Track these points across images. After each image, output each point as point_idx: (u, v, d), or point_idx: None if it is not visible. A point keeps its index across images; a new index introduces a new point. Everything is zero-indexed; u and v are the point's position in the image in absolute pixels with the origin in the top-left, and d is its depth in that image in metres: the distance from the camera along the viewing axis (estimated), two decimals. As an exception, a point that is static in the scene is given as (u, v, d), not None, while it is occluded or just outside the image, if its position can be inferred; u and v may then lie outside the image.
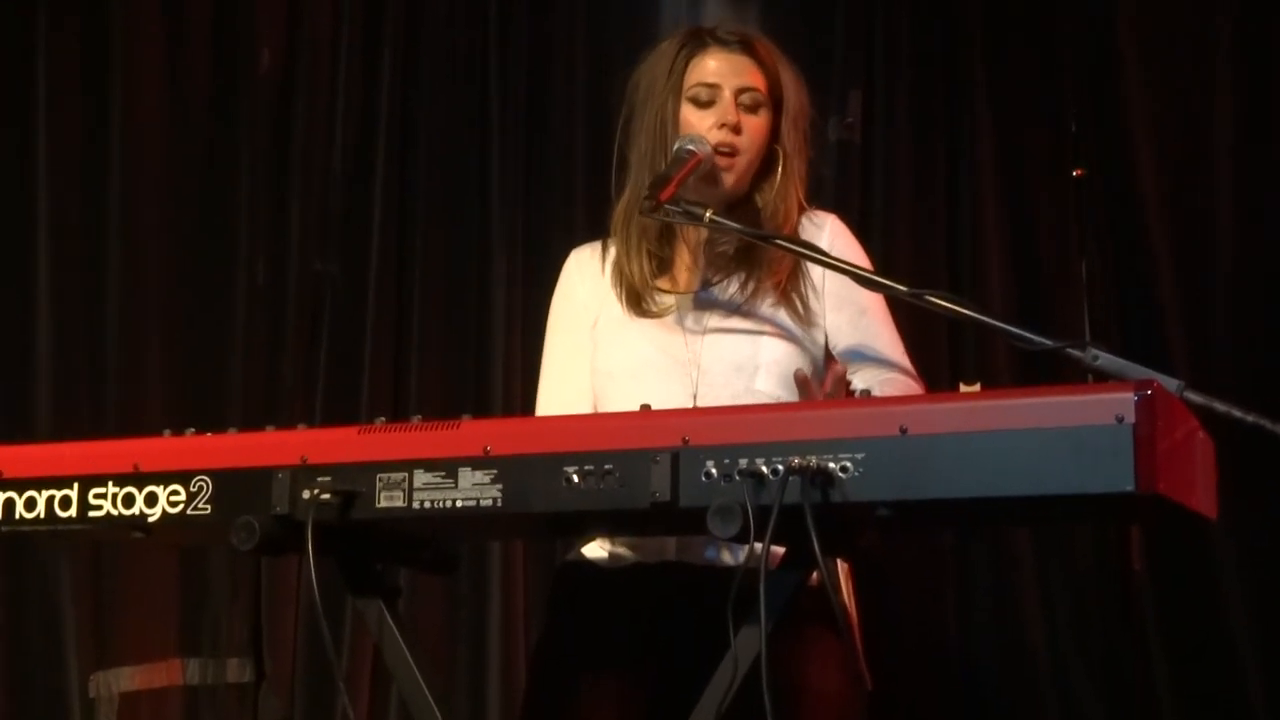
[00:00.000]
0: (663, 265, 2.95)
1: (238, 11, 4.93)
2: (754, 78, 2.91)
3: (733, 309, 2.87)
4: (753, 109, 2.91)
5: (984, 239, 4.56)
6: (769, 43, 3.01)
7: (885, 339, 2.91)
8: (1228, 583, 4.18)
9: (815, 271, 2.89)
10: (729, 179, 2.87)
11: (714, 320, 2.87)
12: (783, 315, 2.85)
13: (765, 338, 2.83)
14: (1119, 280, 4.45)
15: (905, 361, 2.92)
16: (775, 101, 2.94)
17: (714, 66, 2.92)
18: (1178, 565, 4.20)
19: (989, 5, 4.64)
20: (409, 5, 4.96)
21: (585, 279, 3.03)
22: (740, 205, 2.91)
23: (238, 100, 4.90)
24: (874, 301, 2.92)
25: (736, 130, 2.88)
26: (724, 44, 2.95)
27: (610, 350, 2.91)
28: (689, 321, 2.88)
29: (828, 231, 2.93)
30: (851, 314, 2.90)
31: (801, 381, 2.60)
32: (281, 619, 4.58)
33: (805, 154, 2.97)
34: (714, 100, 2.90)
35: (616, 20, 4.85)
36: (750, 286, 2.86)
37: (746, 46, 2.94)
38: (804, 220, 2.96)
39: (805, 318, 2.86)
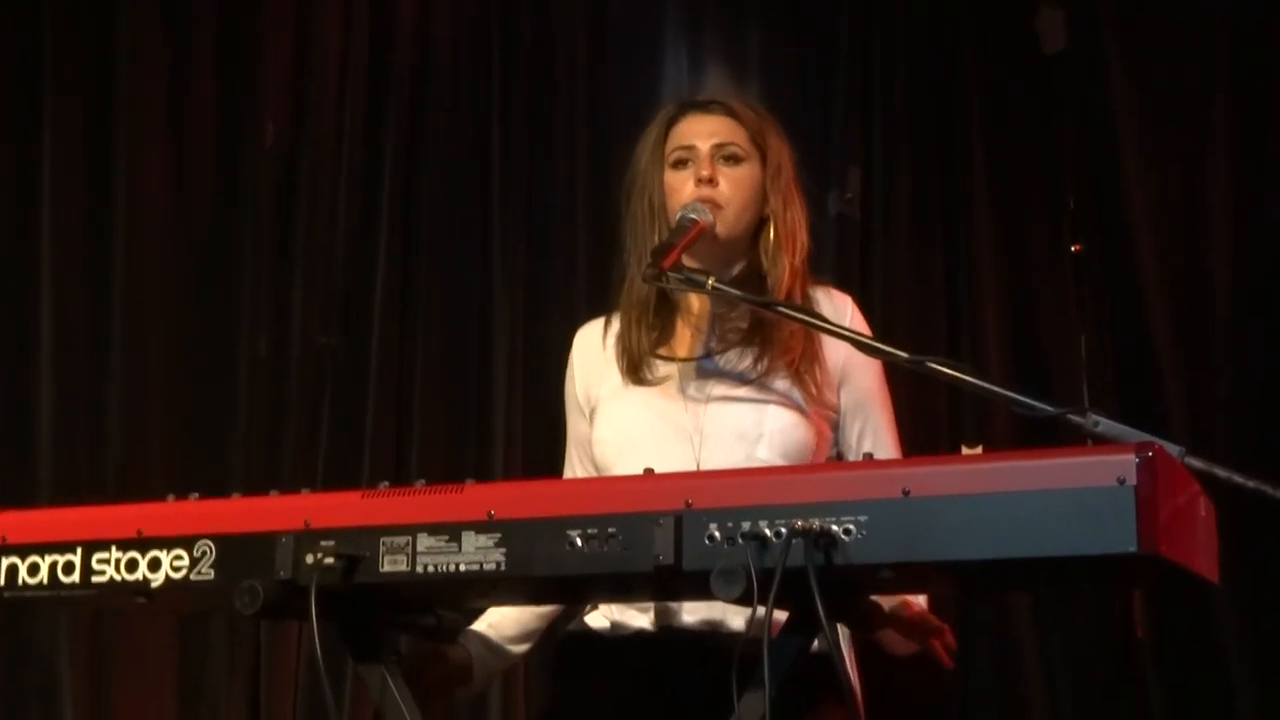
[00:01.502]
0: (663, 335, 2.96)
1: (242, 86, 4.97)
2: (731, 133, 2.94)
3: (738, 379, 2.86)
4: (732, 162, 2.92)
5: (983, 314, 4.57)
6: (749, 102, 3.04)
7: (886, 436, 2.92)
8: (1230, 649, 4.17)
9: (831, 358, 2.89)
10: (720, 230, 2.88)
11: (717, 389, 2.87)
12: (793, 391, 2.85)
13: (771, 406, 2.83)
14: (1118, 354, 4.46)
15: (898, 454, 2.93)
16: (761, 155, 2.95)
17: (690, 129, 2.96)
18: (1180, 632, 4.19)
19: (987, 81, 4.68)
20: (412, 82, 5.00)
21: (584, 360, 3.06)
22: (749, 278, 2.91)
23: (242, 173, 4.94)
24: (884, 403, 2.94)
25: (713, 182, 2.89)
26: (701, 107, 2.99)
27: (610, 420, 2.92)
28: (690, 389, 2.88)
29: (849, 316, 2.94)
30: (857, 402, 2.91)
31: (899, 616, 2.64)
32: (279, 686, 4.56)
33: (800, 211, 2.96)
34: (691, 160, 2.92)
35: (617, 98, 4.90)
36: (762, 364, 2.85)
37: (723, 106, 2.97)
38: (820, 296, 2.96)
39: (816, 397, 2.86)
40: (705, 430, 2.82)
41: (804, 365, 2.86)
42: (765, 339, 2.87)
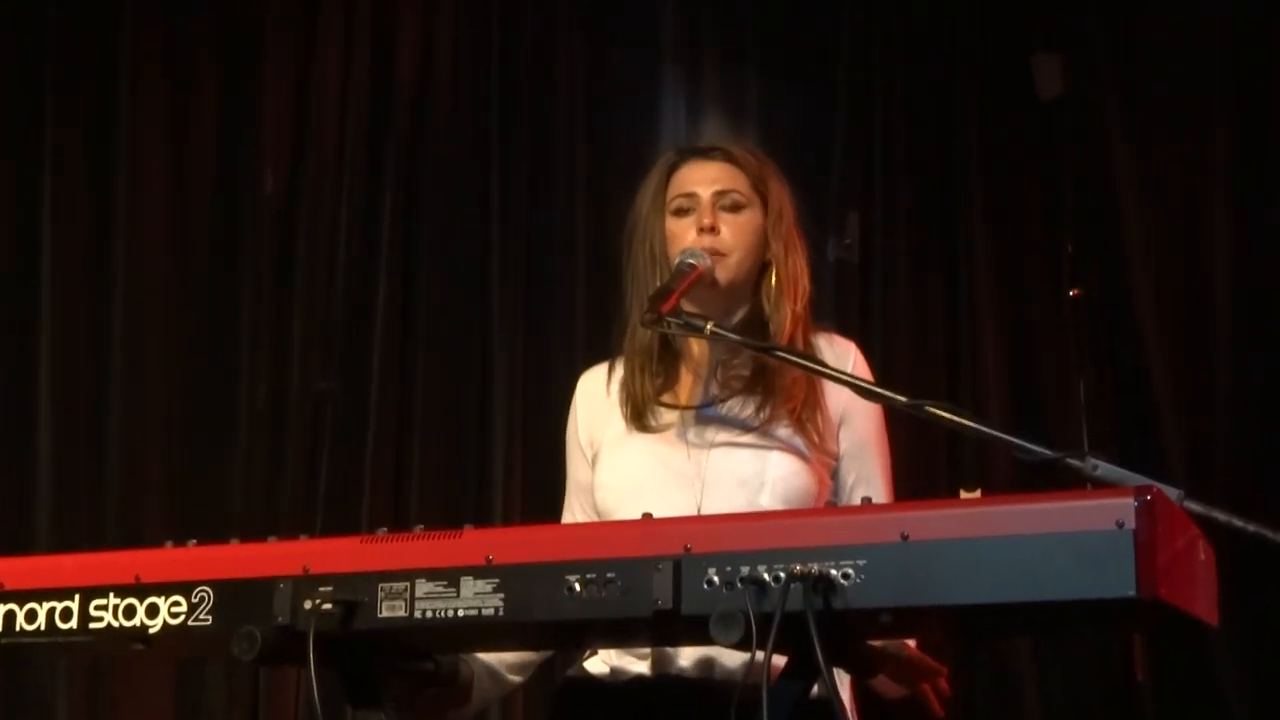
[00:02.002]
0: (666, 382, 2.95)
1: (242, 133, 4.99)
2: (732, 180, 2.93)
3: (740, 426, 2.86)
4: (734, 209, 2.91)
5: (982, 358, 4.58)
6: (749, 147, 3.04)
7: (879, 484, 2.91)
8: (1229, 692, 4.16)
9: (833, 405, 2.89)
10: (722, 276, 2.88)
11: (720, 435, 2.86)
12: (795, 438, 2.84)
13: (773, 453, 2.81)
14: (1117, 397, 4.46)
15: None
16: (762, 201, 2.95)
17: (691, 176, 2.95)
18: (1180, 675, 4.18)
19: (986, 127, 4.70)
20: (411, 129, 5.03)
21: (587, 405, 3.04)
22: (751, 324, 2.91)
23: (241, 219, 4.96)
24: (878, 441, 2.93)
25: (714, 230, 2.89)
26: (702, 154, 2.98)
27: (612, 466, 2.91)
28: (691, 436, 2.87)
29: (851, 362, 2.93)
30: (854, 447, 2.89)
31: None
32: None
33: (801, 256, 2.96)
34: (693, 208, 2.92)
35: (617, 144, 4.92)
36: (765, 411, 2.84)
37: (724, 153, 2.96)
38: (823, 343, 2.96)
39: (819, 444, 2.86)
40: (707, 477, 2.81)
41: (806, 413, 2.85)
42: (767, 386, 2.86)
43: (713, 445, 2.85)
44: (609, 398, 2.99)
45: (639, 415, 2.90)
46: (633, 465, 2.87)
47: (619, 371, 2.99)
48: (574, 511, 3.03)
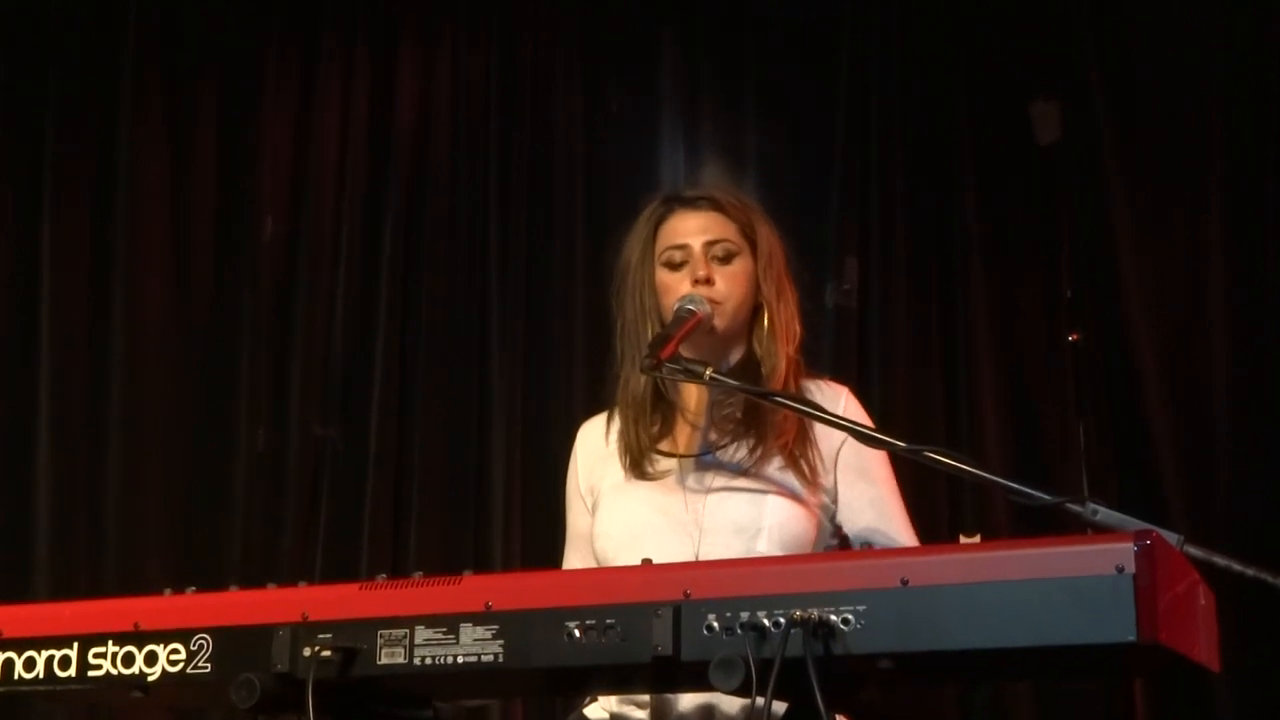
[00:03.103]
0: (664, 429, 2.95)
1: (242, 179, 5.01)
2: (722, 229, 2.94)
3: (737, 470, 2.86)
4: (725, 259, 2.93)
5: (981, 403, 4.58)
6: (735, 193, 3.05)
7: (898, 521, 2.91)
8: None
9: (825, 443, 2.89)
10: (719, 324, 2.89)
11: (717, 480, 2.86)
12: (789, 478, 2.84)
13: (770, 498, 2.82)
14: (1116, 442, 4.46)
15: (915, 541, 2.91)
16: (752, 246, 2.96)
17: (680, 227, 2.96)
18: (1181, 720, 4.18)
19: (984, 172, 4.71)
20: (410, 175, 5.04)
21: (587, 454, 3.06)
22: (746, 367, 2.92)
23: (240, 266, 4.97)
24: (888, 479, 2.93)
25: (709, 282, 2.90)
26: (689, 204, 2.99)
27: (611, 515, 2.91)
28: (690, 482, 2.88)
29: (842, 405, 2.93)
30: (866, 490, 2.90)
31: None
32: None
33: (792, 300, 2.97)
34: (686, 260, 2.93)
35: (615, 189, 4.92)
36: (758, 451, 2.85)
37: (711, 201, 2.97)
38: (813, 387, 2.96)
39: (811, 480, 2.85)
40: (704, 525, 2.82)
41: (798, 448, 2.86)
42: (760, 426, 2.87)
43: (709, 491, 2.85)
44: (608, 447, 3.00)
45: (637, 464, 2.91)
46: (631, 514, 2.88)
47: (617, 421, 3.00)
48: (573, 561, 3.03)
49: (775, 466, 2.85)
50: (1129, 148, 4.59)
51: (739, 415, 2.90)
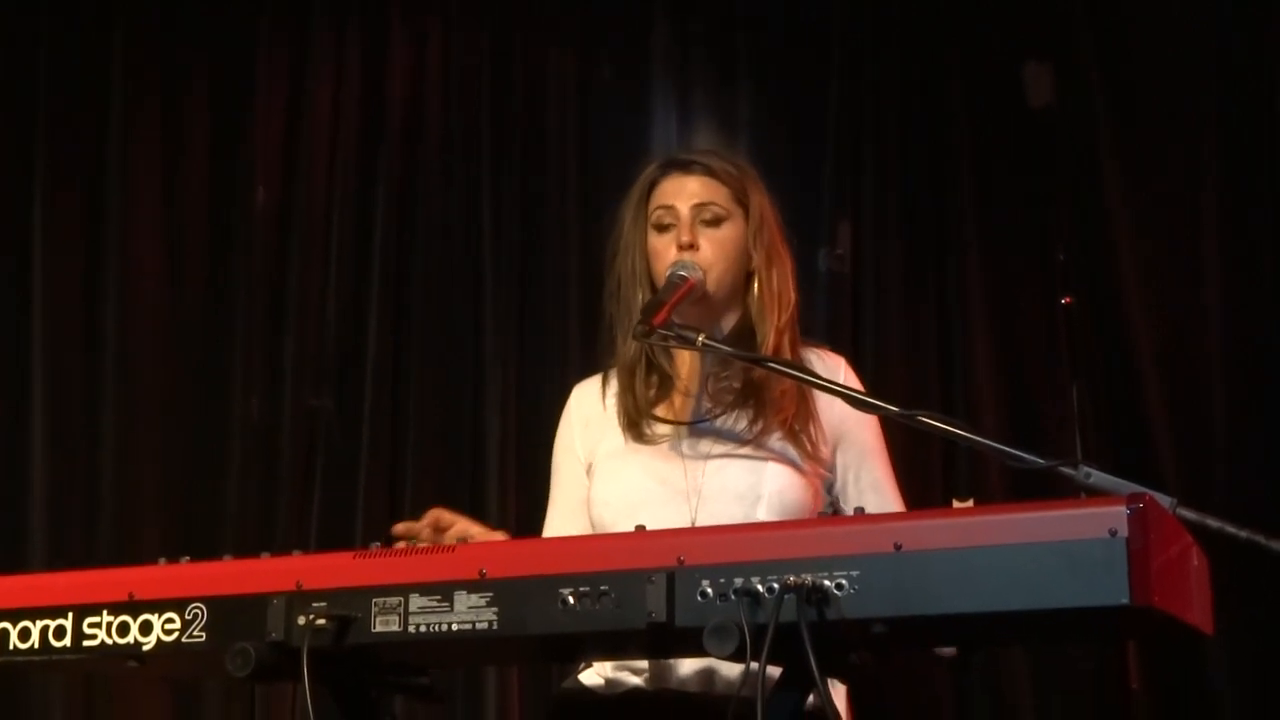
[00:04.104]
0: (661, 394, 2.95)
1: (235, 150, 4.99)
2: (712, 193, 2.92)
3: (734, 439, 2.86)
4: (714, 223, 2.91)
5: (974, 367, 4.59)
6: (731, 158, 3.03)
7: (895, 506, 2.92)
8: (1225, 699, 4.16)
9: (826, 416, 2.89)
10: (708, 290, 2.88)
11: (715, 448, 2.86)
12: (789, 449, 2.84)
13: (770, 465, 2.82)
14: (1110, 405, 4.46)
15: (902, 507, 2.92)
16: (744, 211, 2.94)
17: (671, 189, 2.94)
18: (1174, 683, 4.18)
19: (976, 134, 4.70)
20: (403, 144, 5.03)
21: (582, 416, 3.04)
22: (740, 335, 2.91)
23: (234, 237, 4.96)
24: (884, 456, 2.93)
25: (694, 247, 2.88)
26: (682, 167, 2.97)
27: (608, 481, 2.90)
28: (686, 448, 2.88)
29: (841, 375, 2.93)
30: (868, 474, 2.91)
31: None
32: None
33: (786, 266, 2.95)
34: (674, 223, 2.91)
35: (607, 155, 4.92)
36: (759, 424, 2.84)
37: (702, 166, 2.95)
38: (812, 357, 2.95)
39: (812, 454, 2.85)
40: (703, 491, 2.81)
41: (799, 423, 2.85)
42: (759, 398, 2.86)
43: (708, 458, 2.85)
44: (605, 411, 2.99)
45: (634, 426, 2.90)
46: (629, 482, 2.87)
47: (613, 384, 2.99)
48: (553, 520, 3.02)
49: (775, 438, 2.85)
50: (1122, 109, 4.58)
51: (736, 386, 2.90)
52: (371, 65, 5.09)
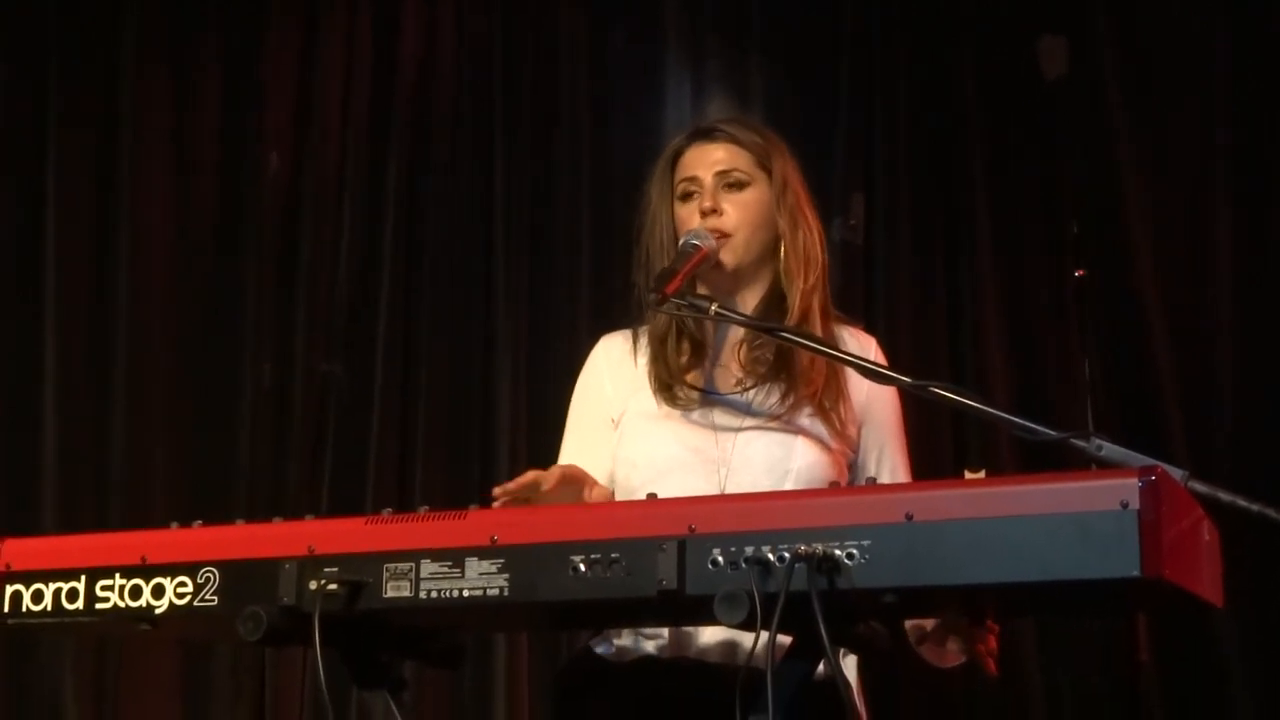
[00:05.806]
0: (694, 360, 2.93)
1: (246, 116, 4.99)
2: (734, 159, 2.91)
3: (766, 412, 2.85)
4: (737, 187, 2.90)
5: (986, 338, 4.59)
6: (754, 124, 3.01)
7: (902, 475, 2.92)
8: (1234, 672, 4.17)
9: (853, 391, 2.88)
10: (728, 259, 2.86)
11: (747, 420, 2.85)
12: (818, 425, 2.83)
13: (800, 440, 2.81)
14: (1121, 378, 4.46)
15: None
16: (767, 176, 2.92)
17: (694, 159, 2.93)
18: (1184, 655, 4.19)
19: (990, 107, 4.70)
20: (415, 111, 5.03)
21: (613, 369, 3.00)
22: (769, 305, 2.90)
23: (245, 202, 4.96)
24: (900, 431, 2.93)
25: (717, 212, 2.87)
26: (705, 135, 2.95)
27: (637, 443, 2.88)
28: (718, 418, 2.86)
29: (872, 354, 2.92)
30: (888, 460, 2.91)
31: None
32: (284, 713, 4.56)
33: (813, 231, 2.93)
34: (697, 191, 2.90)
35: (621, 125, 4.92)
36: (790, 399, 2.83)
37: (725, 134, 2.94)
38: (846, 334, 2.95)
39: (840, 431, 2.85)
40: (733, 462, 2.80)
41: (828, 399, 2.84)
42: (790, 372, 2.85)
43: (739, 430, 2.84)
44: (636, 368, 2.96)
45: (666, 388, 2.88)
46: (659, 448, 2.85)
47: (643, 344, 2.97)
48: (569, 447, 2.98)
49: (806, 413, 2.84)
50: (1135, 82, 4.57)
51: (769, 357, 2.88)
52: (383, 33, 5.09)
